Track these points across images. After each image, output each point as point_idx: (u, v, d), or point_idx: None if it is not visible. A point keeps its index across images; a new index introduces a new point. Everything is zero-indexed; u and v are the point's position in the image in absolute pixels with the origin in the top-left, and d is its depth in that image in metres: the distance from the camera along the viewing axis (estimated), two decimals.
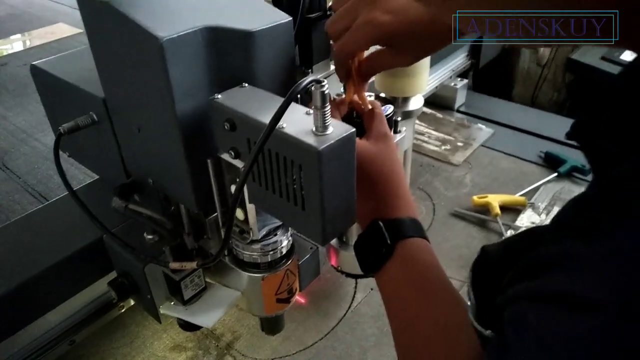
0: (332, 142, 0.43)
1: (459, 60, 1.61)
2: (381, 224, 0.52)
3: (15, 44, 2.50)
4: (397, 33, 0.50)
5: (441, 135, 1.52)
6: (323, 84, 0.42)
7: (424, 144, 1.48)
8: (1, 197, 1.39)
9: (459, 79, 1.63)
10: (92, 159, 0.76)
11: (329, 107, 0.43)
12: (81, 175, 1.32)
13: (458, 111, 1.62)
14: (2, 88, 1.98)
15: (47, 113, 0.77)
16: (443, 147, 1.46)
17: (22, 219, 0.78)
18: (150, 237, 0.65)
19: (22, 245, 0.72)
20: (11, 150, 1.60)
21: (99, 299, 0.81)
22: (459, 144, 1.48)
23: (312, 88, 0.42)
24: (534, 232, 0.39)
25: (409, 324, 0.50)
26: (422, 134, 1.52)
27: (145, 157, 0.61)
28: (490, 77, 1.89)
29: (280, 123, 0.44)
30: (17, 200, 1.38)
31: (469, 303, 0.42)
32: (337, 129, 0.44)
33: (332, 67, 0.70)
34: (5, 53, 2.36)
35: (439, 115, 1.60)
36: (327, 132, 0.44)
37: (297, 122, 0.45)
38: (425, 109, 1.58)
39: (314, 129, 0.44)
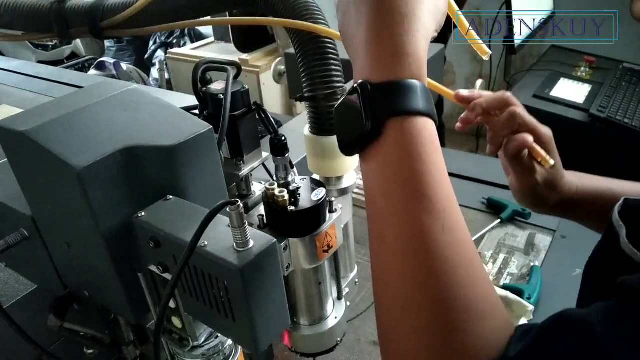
0: (252, 257, 0.44)
1: None
2: (367, 87, 0.36)
3: None
4: None
5: None
6: (237, 205, 0.43)
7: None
8: None
9: None
10: (28, 270, 0.75)
11: (246, 224, 0.44)
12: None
13: None
14: None
15: None
16: None
17: None
18: (90, 351, 0.64)
19: None
20: None
21: None
22: None
23: (228, 210, 0.43)
24: None
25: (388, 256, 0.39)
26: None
27: (79, 272, 0.61)
28: None
29: (202, 240, 0.45)
30: None
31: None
32: (258, 242, 0.46)
33: (264, 155, 0.72)
34: None
35: None
36: (248, 247, 0.45)
37: (219, 238, 0.46)
38: None
39: (234, 245, 0.45)
